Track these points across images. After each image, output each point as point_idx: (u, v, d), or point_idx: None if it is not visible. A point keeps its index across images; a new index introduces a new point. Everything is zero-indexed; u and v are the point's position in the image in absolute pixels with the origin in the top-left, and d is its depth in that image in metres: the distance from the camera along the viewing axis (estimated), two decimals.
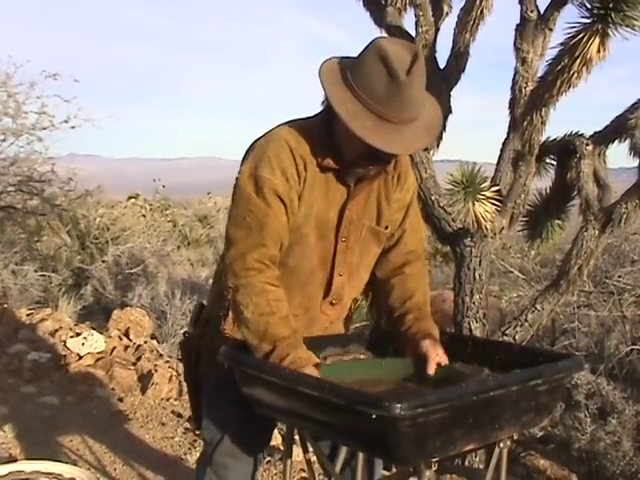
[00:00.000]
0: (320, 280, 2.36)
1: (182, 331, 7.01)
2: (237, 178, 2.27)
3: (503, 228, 4.23)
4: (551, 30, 4.02)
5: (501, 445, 2.09)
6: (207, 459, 2.48)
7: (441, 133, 4.33)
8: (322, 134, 2.26)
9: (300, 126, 2.29)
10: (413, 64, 2.09)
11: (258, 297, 2.16)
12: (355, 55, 2.21)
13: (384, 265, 2.49)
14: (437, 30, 4.34)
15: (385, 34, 4.40)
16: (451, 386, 2.06)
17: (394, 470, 2.58)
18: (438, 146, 4.37)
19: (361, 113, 2.10)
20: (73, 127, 9.12)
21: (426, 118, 2.20)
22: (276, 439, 4.20)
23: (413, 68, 2.09)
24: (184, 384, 5.55)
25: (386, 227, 2.42)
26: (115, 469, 4.31)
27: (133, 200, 12.67)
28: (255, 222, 2.19)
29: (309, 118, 2.35)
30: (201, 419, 2.57)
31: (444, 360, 2.27)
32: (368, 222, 2.37)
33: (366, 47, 2.17)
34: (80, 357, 5.93)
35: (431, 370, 2.24)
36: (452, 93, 4.34)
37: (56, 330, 6.36)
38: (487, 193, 4.04)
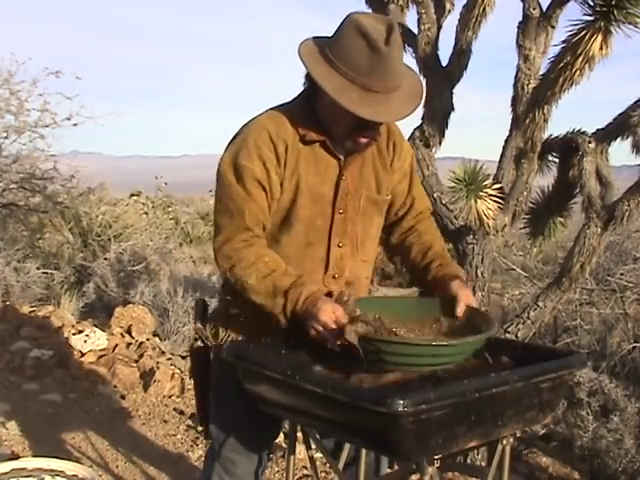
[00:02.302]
0: (318, 254, 2.40)
1: (184, 328, 7.08)
2: (219, 165, 2.36)
3: (505, 225, 4.23)
4: (553, 27, 4.02)
5: (504, 442, 2.10)
6: (215, 454, 2.52)
7: (443, 130, 4.33)
8: (303, 111, 2.33)
9: (280, 109, 2.37)
10: (390, 34, 2.15)
11: (255, 264, 2.25)
12: (328, 34, 2.28)
13: (397, 231, 2.57)
14: (439, 27, 4.34)
15: None
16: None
17: (396, 467, 2.58)
18: (440, 143, 4.38)
19: (346, 87, 2.16)
20: (75, 125, 9.11)
21: (408, 85, 2.26)
22: (278, 436, 4.20)
23: (391, 38, 2.15)
24: (186, 381, 5.60)
25: (387, 195, 2.48)
26: (117, 466, 4.32)
27: (135, 197, 12.67)
28: (236, 208, 2.29)
29: (288, 102, 2.41)
30: (206, 415, 2.61)
31: (472, 302, 2.31)
32: (366, 192, 2.42)
33: (341, 24, 2.24)
34: (82, 354, 5.93)
35: (460, 311, 2.27)
36: (454, 90, 4.34)
37: (58, 327, 6.36)
38: (489, 190, 4.05)
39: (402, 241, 2.56)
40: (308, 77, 2.30)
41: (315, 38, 2.30)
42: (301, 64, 2.25)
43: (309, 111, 2.33)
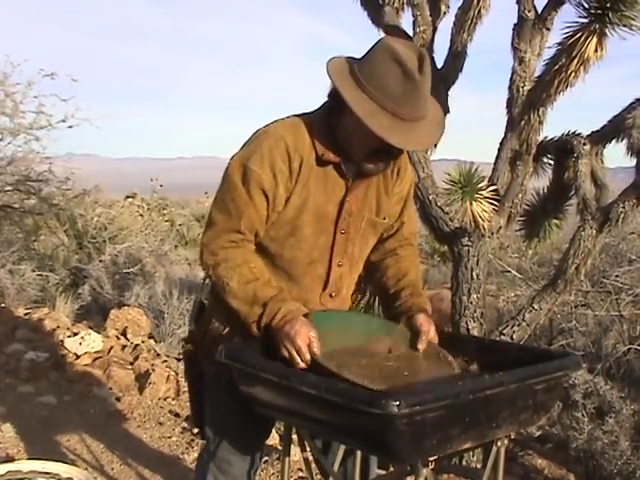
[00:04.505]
0: (319, 272, 2.41)
1: (180, 330, 7.07)
2: (229, 163, 2.34)
3: (500, 227, 4.24)
4: (548, 30, 4.03)
5: (498, 444, 2.10)
6: (210, 454, 2.52)
7: None
8: (323, 129, 2.31)
9: (300, 121, 2.34)
10: (422, 63, 2.16)
11: (240, 267, 2.26)
12: (357, 55, 2.26)
13: (378, 250, 2.56)
14: (435, 30, 4.34)
15: (383, 34, 4.41)
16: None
17: (391, 469, 2.58)
18: (436, 145, 4.38)
19: (376, 112, 2.15)
20: (70, 126, 9.09)
21: (433, 115, 2.26)
22: (274, 438, 4.20)
23: (424, 67, 2.16)
24: (182, 383, 5.59)
25: (384, 218, 2.48)
26: (112, 468, 4.31)
27: (131, 199, 12.67)
28: (235, 210, 2.28)
29: (309, 113, 2.38)
30: (200, 417, 2.62)
31: (435, 338, 2.34)
32: (368, 214, 2.42)
33: (373, 47, 2.23)
34: (78, 357, 5.92)
35: (422, 345, 2.30)
36: (449, 92, 4.34)
37: (54, 330, 6.35)
38: (485, 192, 4.05)
39: (380, 261, 2.57)
40: (332, 96, 2.29)
41: (343, 57, 2.28)
42: (329, 82, 2.24)
43: (328, 129, 2.31)
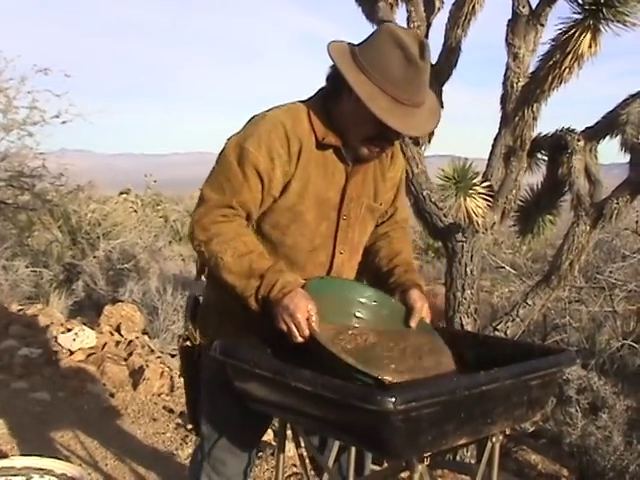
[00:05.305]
0: (321, 259, 2.39)
1: (174, 326, 7.06)
2: (224, 145, 2.33)
3: (494, 223, 4.24)
4: (543, 26, 4.04)
5: (493, 440, 2.10)
6: (204, 453, 2.50)
7: None
8: (320, 113, 2.30)
9: (298, 106, 2.34)
10: (424, 49, 2.16)
11: (234, 241, 2.22)
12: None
13: (371, 235, 2.55)
14: (429, 25, 4.35)
15: None
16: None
17: (386, 465, 2.58)
18: (430, 141, 4.38)
19: (377, 95, 2.15)
20: (64, 122, 9.09)
21: (429, 103, 2.27)
22: (268, 434, 4.20)
23: (425, 53, 2.16)
24: (176, 379, 5.58)
25: (380, 204, 2.48)
26: (106, 464, 4.30)
27: (125, 195, 12.65)
28: (229, 189, 2.25)
29: (306, 100, 2.38)
30: (195, 414, 2.60)
31: (427, 315, 2.34)
32: (366, 200, 2.42)
33: (375, 32, 2.25)
34: (71, 353, 5.91)
35: (414, 322, 2.30)
36: (444, 88, 4.34)
37: (47, 326, 6.35)
38: (478, 188, 4.06)
39: (372, 244, 2.56)
40: (331, 79, 2.30)
41: (343, 42, 2.28)
42: (329, 65, 2.26)
43: (325, 114, 2.30)
